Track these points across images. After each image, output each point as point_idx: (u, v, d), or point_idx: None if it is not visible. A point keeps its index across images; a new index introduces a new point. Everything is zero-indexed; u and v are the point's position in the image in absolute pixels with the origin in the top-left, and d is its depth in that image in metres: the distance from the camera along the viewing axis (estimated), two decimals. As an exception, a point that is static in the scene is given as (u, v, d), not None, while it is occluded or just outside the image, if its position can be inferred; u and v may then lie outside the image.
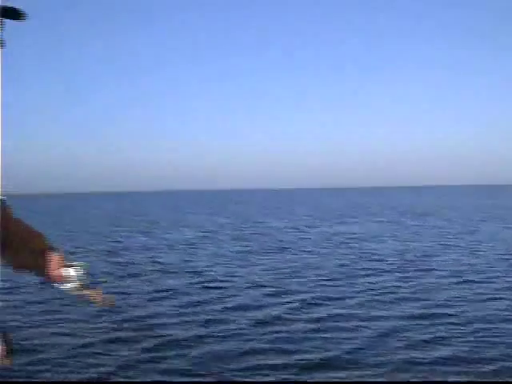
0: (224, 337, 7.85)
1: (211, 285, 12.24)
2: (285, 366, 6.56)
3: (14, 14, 1.86)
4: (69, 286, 1.91)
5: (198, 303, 10.23)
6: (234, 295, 11.04)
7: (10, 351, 1.69)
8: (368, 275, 12.99)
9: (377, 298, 10.37)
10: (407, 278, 12.54)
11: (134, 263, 16.12)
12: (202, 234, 26.10)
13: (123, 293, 11.18)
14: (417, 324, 8.31)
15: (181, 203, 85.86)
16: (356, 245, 19.88)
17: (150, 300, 10.67)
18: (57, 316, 9.29)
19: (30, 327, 8.61)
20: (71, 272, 1.92)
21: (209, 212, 51.16)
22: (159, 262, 16.34)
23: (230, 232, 26.89)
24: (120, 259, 17.06)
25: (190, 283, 12.51)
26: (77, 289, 1.90)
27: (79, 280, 1.91)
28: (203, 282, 12.56)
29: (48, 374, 6.43)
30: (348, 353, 7.04)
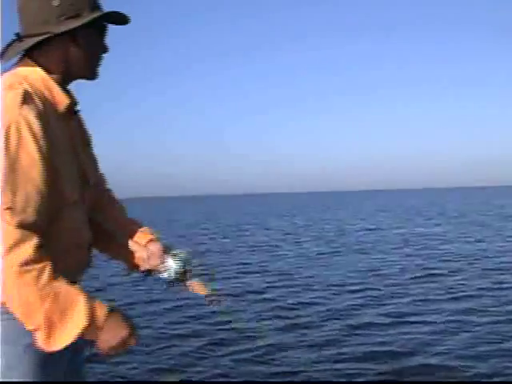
0: (317, 343, 7.63)
1: (297, 288, 12.09)
2: (380, 373, 6.31)
3: (118, 19, 1.89)
4: (168, 275, 1.88)
5: (287, 307, 10.10)
6: (324, 298, 10.83)
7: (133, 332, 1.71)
8: (466, 278, 12.40)
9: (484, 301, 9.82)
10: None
11: (219, 265, 16.16)
12: (283, 236, 26.09)
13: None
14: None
15: (256, 207, 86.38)
16: (446, 246, 19.19)
17: (234, 302, 10.54)
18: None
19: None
20: (171, 262, 1.89)
21: (288, 214, 51.38)
22: (245, 263, 16.42)
23: (312, 233, 26.72)
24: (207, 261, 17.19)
25: (276, 286, 12.44)
26: (179, 279, 1.87)
27: (181, 269, 1.86)
28: (290, 286, 12.44)
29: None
30: (451, 358, 6.68)
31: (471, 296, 10.41)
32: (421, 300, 10.15)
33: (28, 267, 1.49)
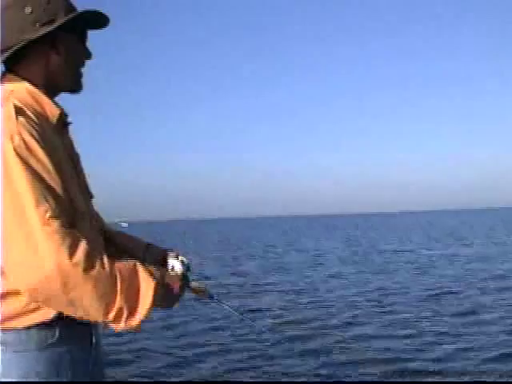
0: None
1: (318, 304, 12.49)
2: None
3: (96, 19, 1.80)
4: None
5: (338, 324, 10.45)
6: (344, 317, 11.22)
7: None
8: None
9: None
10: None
11: (263, 284, 16.75)
12: (312, 256, 26.50)
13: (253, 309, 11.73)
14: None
15: (293, 229, 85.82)
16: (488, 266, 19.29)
17: (273, 317, 11.05)
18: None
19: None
20: (176, 264, 1.89)
21: (320, 236, 51.37)
22: (271, 283, 16.84)
23: (341, 254, 26.92)
24: (251, 281, 17.74)
25: (299, 302, 12.85)
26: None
27: (182, 269, 1.87)
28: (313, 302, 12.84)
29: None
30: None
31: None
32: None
33: (92, 260, 1.47)
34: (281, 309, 12.21)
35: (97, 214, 1.95)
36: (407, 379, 6.80)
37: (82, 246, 1.47)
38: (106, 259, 1.53)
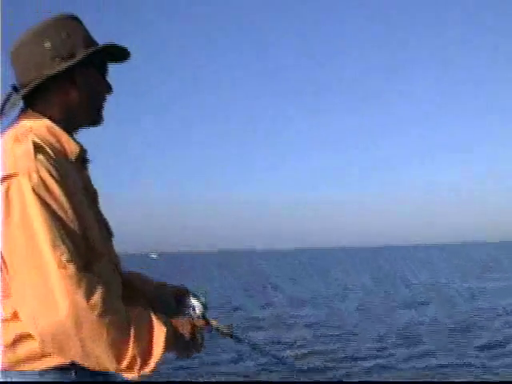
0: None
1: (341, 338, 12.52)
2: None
3: (117, 53, 1.77)
4: (193, 313, 1.82)
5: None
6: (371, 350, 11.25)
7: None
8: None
9: None
10: None
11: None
12: (342, 289, 26.38)
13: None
14: None
15: (320, 261, 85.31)
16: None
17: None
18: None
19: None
20: (195, 304, 1.84)
21: (348, 268, 50.97)
22: (298, 316, 16.82)
23: (371, 287, 26.80)
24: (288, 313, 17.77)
25: (325, 335, 12.88)
26: (199, 318, 1.80)
27: (201, 309, 1.82)
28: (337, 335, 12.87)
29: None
30: None
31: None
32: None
33: (108, 305, 1.42)
34: (306, 341, 12.29)
35: (115, 255, 1.83)
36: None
37: (99, 291, 1.43)
38: (121, 304, 1.50)
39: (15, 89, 1.67)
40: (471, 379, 8.44)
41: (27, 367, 1.50)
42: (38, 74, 1.62)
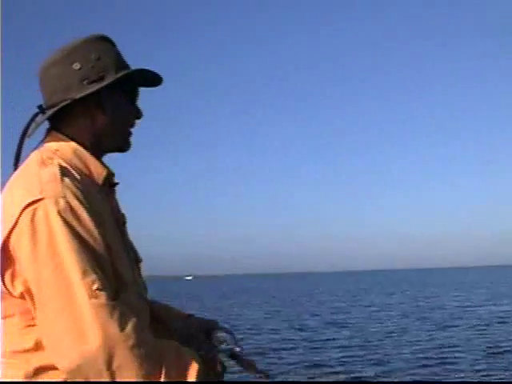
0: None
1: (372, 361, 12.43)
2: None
3: (148, 78, 1.71)
4: (225, 347, 1.74)
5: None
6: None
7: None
8: None
9: None
10: None
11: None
12: (374, 312, 26.22)
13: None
14: None
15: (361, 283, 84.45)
16: None
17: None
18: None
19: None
20: (226, 338, 1.77)
21: (382, 291, 50.47)
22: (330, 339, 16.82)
23: (406, 309, 26.50)
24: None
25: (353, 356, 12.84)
26: (228, 354, 1.73)
27: (232, 344, 1.75)
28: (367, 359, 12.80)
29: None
30: None
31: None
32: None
33: (140, 337, 1.36)
34: (340, 365, 12.24)
35: (143, 282, 1.74)
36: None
37: (131, 321, 1.36)
38: (151, 336, 1.42)
39: (41, 109, 1.62)
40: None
41: None
42: (65, 96, 1.57)
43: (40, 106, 1.62)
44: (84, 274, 1.34)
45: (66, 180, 1.43)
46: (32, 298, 1.38)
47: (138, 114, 1.70)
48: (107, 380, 1.32)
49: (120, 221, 1.66)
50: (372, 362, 12.58)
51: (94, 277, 1.35)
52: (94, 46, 1.63)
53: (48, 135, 1.62)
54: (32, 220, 1.36)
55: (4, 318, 1.43)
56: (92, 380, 1.33)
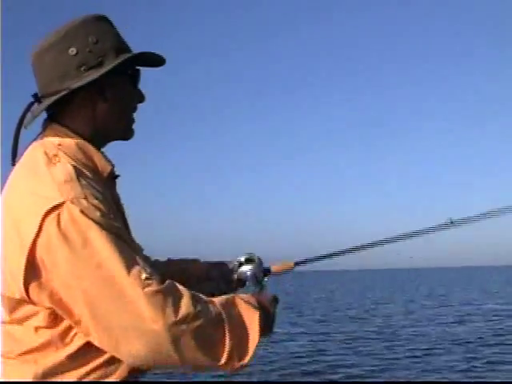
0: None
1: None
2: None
3: (151, 60, 1.62)
4: (250, 278, 1.75)
5: None
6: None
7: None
8: None
9: None
10: None
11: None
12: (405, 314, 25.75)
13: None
14: None
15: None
16: None
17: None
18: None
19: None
20: (245, 269, 1.77)
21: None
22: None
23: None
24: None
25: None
26: (258, 280, 1.74)
27: (261, 274, 1.75)
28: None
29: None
30: None
31: None
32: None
33: (196, 307, 1.35)
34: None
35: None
36: None
37: (185, 297, 1.35)
38: (207, 300, 1.41)
39: (37, 98, 1.53)
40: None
41: None
42: (62, 85, 1.47)
43: (35, 95, 1.53)
44: (128, 266, 1.32)
45: (83, 180, 1.39)
46: (61, 303, 1.34)
47: (140, 98, 1.62)
48: (177, 359, 1.33)
49: (123, 212, 1.63)
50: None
51: (138, 267, 1.33)
52: (92, 27, 1.51)
53: (47, 127, 1.54)
54: (58, 225, 1.31)
55: (12, 321, 1.40)
56: (166, 361, 1.35)
